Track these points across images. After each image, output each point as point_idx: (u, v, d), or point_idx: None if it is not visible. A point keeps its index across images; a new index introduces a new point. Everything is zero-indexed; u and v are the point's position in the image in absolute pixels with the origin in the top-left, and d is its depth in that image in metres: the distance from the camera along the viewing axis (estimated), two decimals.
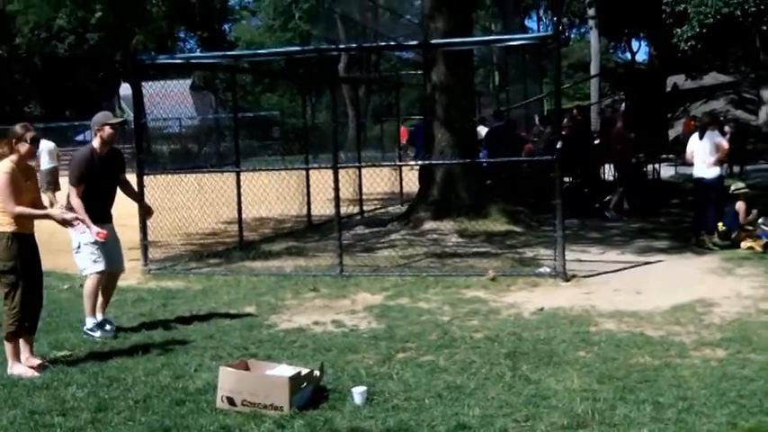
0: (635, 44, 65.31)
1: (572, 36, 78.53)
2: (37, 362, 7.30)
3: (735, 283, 10.34)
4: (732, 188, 13.66)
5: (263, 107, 59.34)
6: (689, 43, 28.41)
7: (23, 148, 7.16)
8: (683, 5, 28.20)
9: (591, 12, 44.67)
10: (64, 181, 15.48)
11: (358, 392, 6.08)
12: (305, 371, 6.23)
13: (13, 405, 6.23)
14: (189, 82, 58.26)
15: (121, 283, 10.03)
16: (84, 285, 8.62)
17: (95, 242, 8.27)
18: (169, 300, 10.18)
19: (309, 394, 6.08)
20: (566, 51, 77.69)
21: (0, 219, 7.11)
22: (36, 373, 7.03)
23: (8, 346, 7.19)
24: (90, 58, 62.96)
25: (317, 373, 6.29)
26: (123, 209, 9.09)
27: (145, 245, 12.13)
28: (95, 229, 8.08)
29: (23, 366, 7.16)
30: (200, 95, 60.50)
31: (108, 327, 8.46)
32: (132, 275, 11.41)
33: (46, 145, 19.86)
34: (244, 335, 8.28)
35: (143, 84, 13.24)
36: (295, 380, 5.97)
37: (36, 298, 7.40)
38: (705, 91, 46.12)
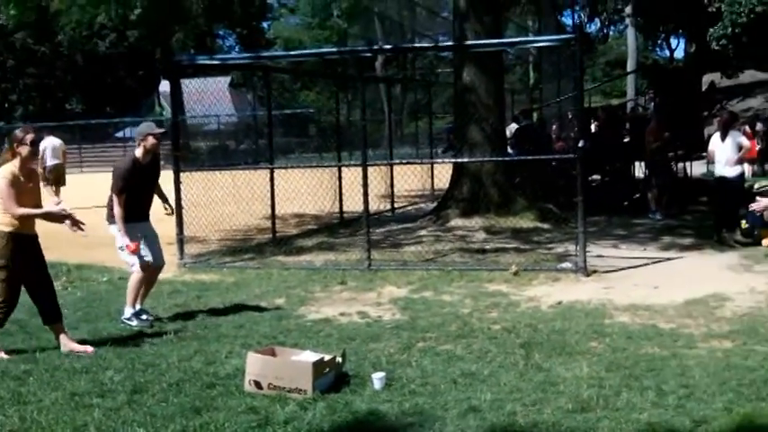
0: (674, 41, 65.06)
1: (610, 33, 78.36)
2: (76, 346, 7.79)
3: (751, 279, 10.59)
4: (756, 186, 13.88)
5: (300, 104, 59.83)
6: (720, 42, 28.34)
7: (24, 150, 7.54)
8: (717, 4, 28.16)
9: (628, 9, 44.77)
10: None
11: (377, 378, 6.48)
12: (328, 357, 6.65)
13: (55, 387, 6.66)
14: (227, 79, 58.87)
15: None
16: (129, 278, 9.07)
17: (140, 239, 8.77)
18: (203, 292, 10.66)
19: (332, 379, 6.49)
20: (604, 48, 77.66)
21: (1, 218, 7.53)
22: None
23: None
24: (130, 56, 63.86)
25: (339, 359, 6.70)
26: (161, 206, 9.53)
27: (181, 239, 12.63)
28: (127, 240, 8.61)
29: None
30: (238, 93, 61.11)
31: (144, 316, 8.93)
32: (168, 269, 11.77)
33: (51, 141, 20.76)
34: (273, 324, 8.72)
35: (183, 81, 13.65)
36: (318, 365, 6.37)
37: (44, 290, 7.85)
38: (742, 89, 46.00)
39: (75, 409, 6.11)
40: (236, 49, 78.49)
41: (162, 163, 9.59)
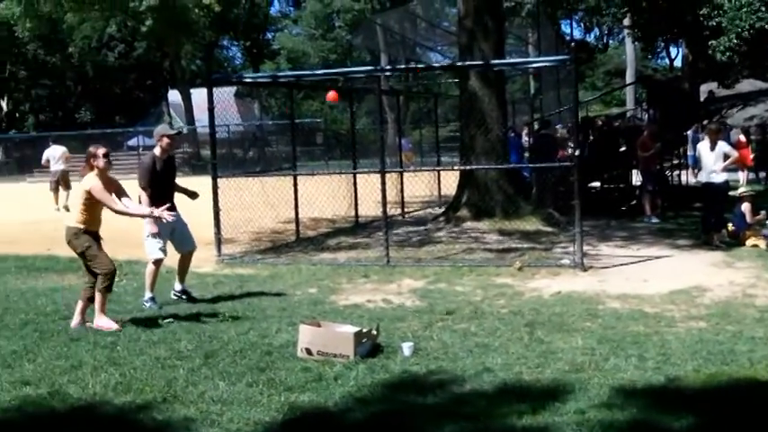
0: (673, 50, 66.16)
1: (610, 42, 79.65)
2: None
3: (731, 274, 11.86)
4: (738, 192, 15.17)
5: (304, 114, 61.05)
6: (726, 54, 29.37)
7: (100, 163, 9.02)
8: (717, 19, 29.28)
9: (626, 21, 45.92)
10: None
11: (407, 346, 7.80)
12: (365, 329, 7.96)
13: (140, 353, 8.02)
14: (233, 89, 59.99)
15: (199, 270, 11.92)
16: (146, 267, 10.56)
17: (158, 234, 10.16)
18: (243, 282, 11.99)
19: (369, 347, 7.79)
20: (603, 58, 78.79)
21: (77, 217, 9.07)
22: (117, 327, 8.99)
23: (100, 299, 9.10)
24: (139, 66, 65.19)
25: (374, 331, 8.01)
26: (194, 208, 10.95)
27: (219, 238, 13.93)
28: (158, 211, 9.72)
29: (109, 320, 9.09)
30: (243, 102, 62.23)
31: (149, 304, 10.27)
32: (208, 264, 13.22)
33: (54, 150, 23.02)
34: (311, 308, 10.06)
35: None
36: (358, 335, 7.70)
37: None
38: (741, 98, 47.18)
39: (162, 369, 7.44)
40: (241, 60, 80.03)
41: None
